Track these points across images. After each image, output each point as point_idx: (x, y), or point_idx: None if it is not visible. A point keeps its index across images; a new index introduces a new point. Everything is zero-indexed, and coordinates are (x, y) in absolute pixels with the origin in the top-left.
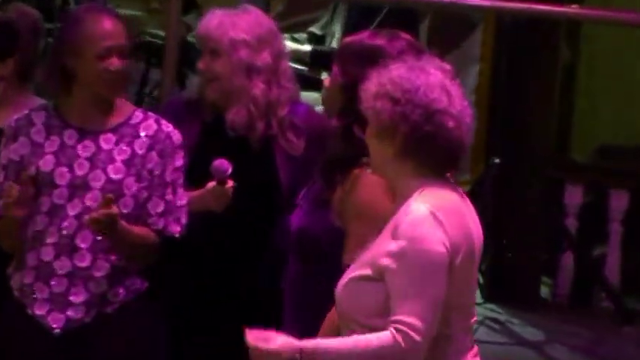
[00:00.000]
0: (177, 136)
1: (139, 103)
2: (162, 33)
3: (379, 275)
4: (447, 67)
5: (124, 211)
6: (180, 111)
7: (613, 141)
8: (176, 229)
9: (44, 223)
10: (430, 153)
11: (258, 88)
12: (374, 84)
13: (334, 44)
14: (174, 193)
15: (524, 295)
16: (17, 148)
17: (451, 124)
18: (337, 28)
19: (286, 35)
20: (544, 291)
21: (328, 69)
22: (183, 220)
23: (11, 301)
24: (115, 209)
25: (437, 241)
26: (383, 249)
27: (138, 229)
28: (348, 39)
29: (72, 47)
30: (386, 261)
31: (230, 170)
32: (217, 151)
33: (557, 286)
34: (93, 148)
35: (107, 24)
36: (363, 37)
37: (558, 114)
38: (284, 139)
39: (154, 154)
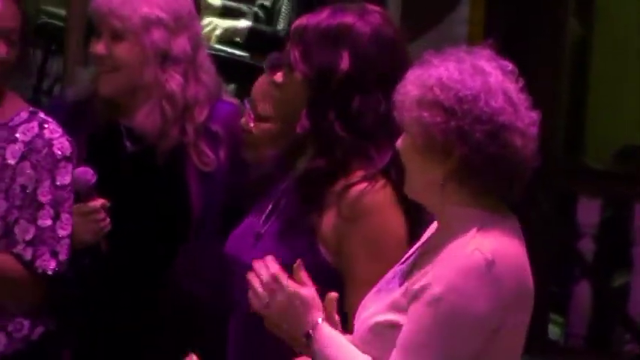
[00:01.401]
0: (61, 146)
1: (35, 101)
2: (62, 12)
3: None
4: (508, 65)
5: None
6: (65, 118)
7: (637, 140)
8: (50, 265)
9: None
10: (491, 179)
11: (175, 81)
12: (416, 86)
13: (280, 25)
14: (55, 218)
15: (530, 337)
16: None
17: (519, 142)
18: (284, 3)
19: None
20: (554, 331)
21: (266, 55)
22: (63, 256)
23: None
24: None
25: (484, 303)
26: (416, 289)
27: None
28: (304, 20)
29: None
30: (415, 303)
31: (94, 180)
32: (111, 168)
33: (569, 325)
34: None
35: None
36: (322, 16)
37: (567, 108)
38: (196, 150)
39: (27, 165)
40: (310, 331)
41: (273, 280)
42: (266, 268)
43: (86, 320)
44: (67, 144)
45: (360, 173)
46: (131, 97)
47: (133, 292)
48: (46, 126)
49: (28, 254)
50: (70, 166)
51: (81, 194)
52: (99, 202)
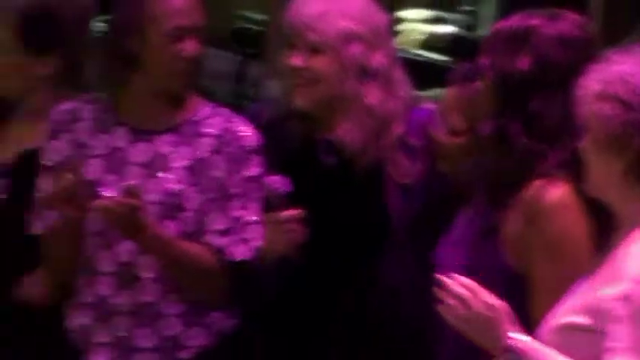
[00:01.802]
0: (251, 138)
1: (236, 103)
2: (259, 16)
3: (601, 323)
4: None
5: (186, 229)
6: (260, 131)
7: None
8: (240, 252)
9: (95, 247)
10: None
11: (374, 95)
12: (596, 81)
13: (484, 31)
14: (245, 208)
15: None
16: (59, 148)
17: None
18: (488, 10)
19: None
20: None
21: (469, 61)
22: (255, 242)
23: (66, 346)
24: (138, 201)
25: None
26: (605, 291)
27: (186, 245)
28: (499, 24)
29: (134, 25)
30: (608, 305)
31: (286, 188)
32: (307, 182)
33: None
34: (149, 152)
35: None
36: (511, 21)
37: None
38: (394, 163)
39: (219, 158)
40: (510, 343)
41: (469, 292)
42: (458, 280)
43: (275, 321)
44: (255, 136)
45: (539, 174)
46: (328, 111)
47: (325, 304)
48: (234, 119)
49: (220, 245)
50: (258, 159)
51: (273, 203)
52: (291, 212)
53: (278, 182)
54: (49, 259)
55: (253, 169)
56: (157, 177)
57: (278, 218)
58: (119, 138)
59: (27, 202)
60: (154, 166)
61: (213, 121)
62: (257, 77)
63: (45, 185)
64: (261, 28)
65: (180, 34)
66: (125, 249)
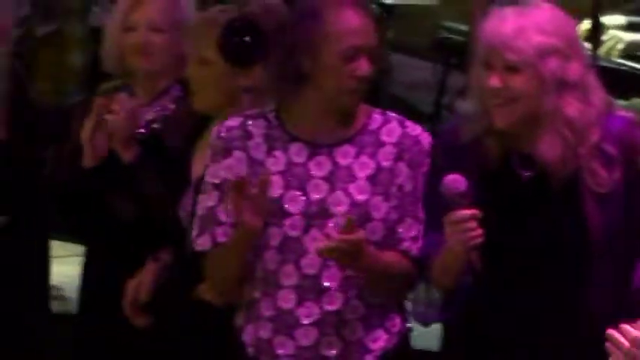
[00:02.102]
0: (427, 140)
1: (436, 115)
2: (463, 27)
3: None
4: None
5: (373, 238)
6: (455, 149)
7: None
8: (414, 251)
9: (276, 261)
10: None
11: (573, 107)
12: None
13: None
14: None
15: None
16: (232, 165)
17: None
18: None
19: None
20: None
21: None
22: (421, 240)
23: (238, 356)
24: (360, 233)
25: None
26: None
27: (388, 256)
28: None
29: (308, 44)
30: None
31: (465, 188)
32: (505, 200)
33: None
34: (329, 165)
35: (354, 18)
36: None
37: None
38: (590, 172)
39: (402, 165)
40: None
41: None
42: (627, 333)
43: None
44: (429, 138)
45: None
46: (526, 127)
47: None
48: (407, 124)
49: (415, 250)
50: (428, 159)
51: (451, 202)
52: (469, 211)
53: (457, 181)
54: (215, 275)
55: (425, 168)
56: (341, 189)
57: (454, 218)
58: (295, 154)
59: None
60: (336, 178)
61: (389, 128)
62: (458, 88)
63: (210, 203)
64: (463, 38)
65: (353, 54)
66: (309, 262)
